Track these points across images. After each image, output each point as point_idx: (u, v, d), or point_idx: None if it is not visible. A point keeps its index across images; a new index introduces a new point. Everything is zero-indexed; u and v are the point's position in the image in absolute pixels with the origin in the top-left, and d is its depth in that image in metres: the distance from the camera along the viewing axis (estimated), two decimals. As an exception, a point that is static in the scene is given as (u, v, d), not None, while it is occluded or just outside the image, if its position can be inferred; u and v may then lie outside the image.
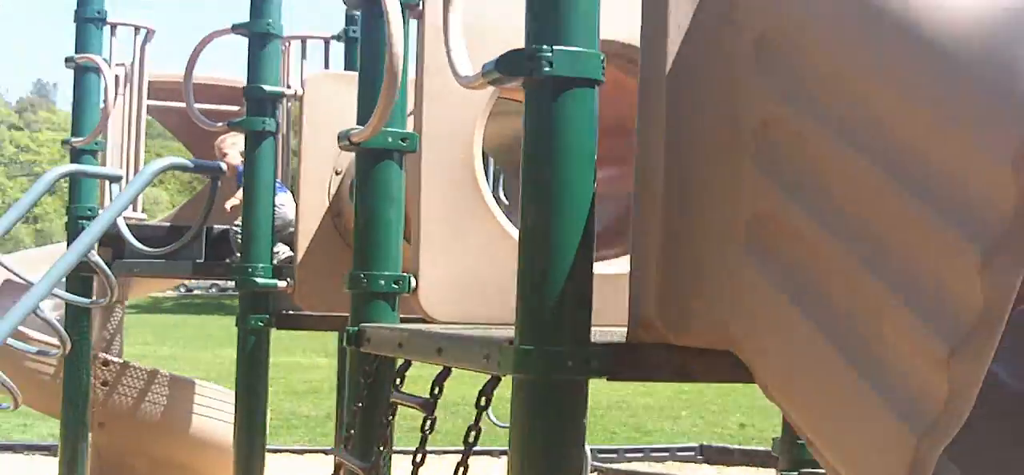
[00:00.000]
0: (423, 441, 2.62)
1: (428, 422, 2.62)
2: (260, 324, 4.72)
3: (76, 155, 5.41)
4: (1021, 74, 1.60)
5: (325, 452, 10.55)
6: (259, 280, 4.66)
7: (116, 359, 6.07)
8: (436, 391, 2.61)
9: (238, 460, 4.74)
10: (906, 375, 1.74)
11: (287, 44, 6.03)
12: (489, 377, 2.37)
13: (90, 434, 6.43)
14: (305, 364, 20.42)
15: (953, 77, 1.69)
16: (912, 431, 1.71)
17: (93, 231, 4.53)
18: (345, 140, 3.27)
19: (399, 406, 2.90)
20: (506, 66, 2.28)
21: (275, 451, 10.38)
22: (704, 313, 2.16)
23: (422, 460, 2.60)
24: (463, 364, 2.49)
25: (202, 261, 5.10)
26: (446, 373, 2.61)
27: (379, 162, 3.30)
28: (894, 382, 1.76)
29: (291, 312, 4.93)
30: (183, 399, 6.16)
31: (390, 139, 3.28)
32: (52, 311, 5.69)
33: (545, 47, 2.20)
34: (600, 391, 19.01)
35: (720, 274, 2.14)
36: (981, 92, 1.64)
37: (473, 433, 2.39)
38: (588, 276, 2.23)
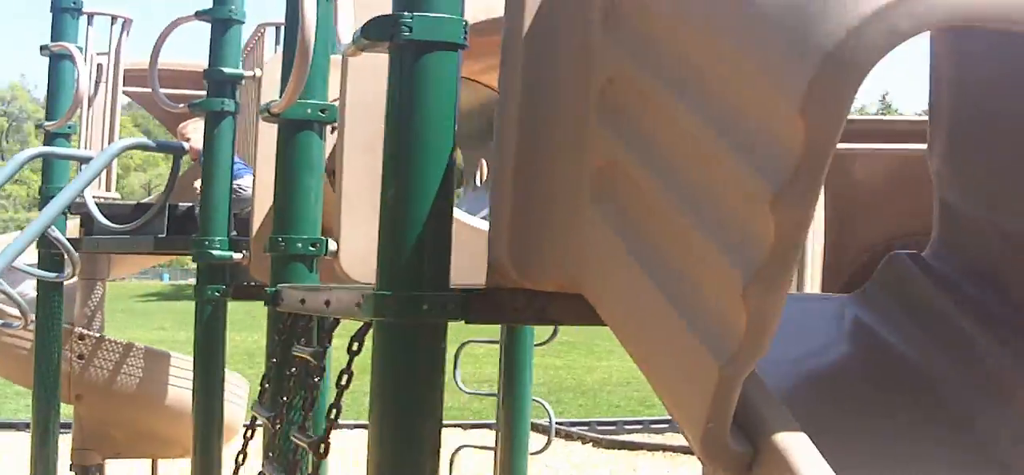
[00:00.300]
0: (312, 388, 2.64)
1: (316, 372, 2.63)
2: (216, 294, 4.73)
3: (50, 138, 5.44)
4: (813, 21, 1.59)
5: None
6: (215, 252, 4.67)
7: (92, 333, 6.11)
8: (326, 343, 2.62)
9: (197, 426, 4.76)
10: (713, 309, 1.74)
11: (263, 30, 6.04)
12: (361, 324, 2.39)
13: (71, 407, 6.50)
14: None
15: (758, 26, 1.69)
16: (716, 361, 1.71)
17: (52, 209, 4.55)
18: (265, 112, 3.29)
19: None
20: (371, 32, 2.30)
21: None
22: (553, 258, 2.17)
23: (311, 405, 2.62)
24: (344, 313, 2.50)
25: (164, 236, 5.11)
26: (335, 323, 2.62)
27: (299, 132, 3.32)
28: (704, 316, 1.76)
29: (253, 284, 4.94)
30: (158, 371, 6.19)
31: (309, 110, 3.30)
32: (33, 291, 5.74)
33: (406, 14, 2.22)
34: (612, 369, 19.03)
35: (568, 221, 2.15)
36: (779, 39, 1.64)
37: (346, 376, 2.40)
38: (446, 227, 2.24)
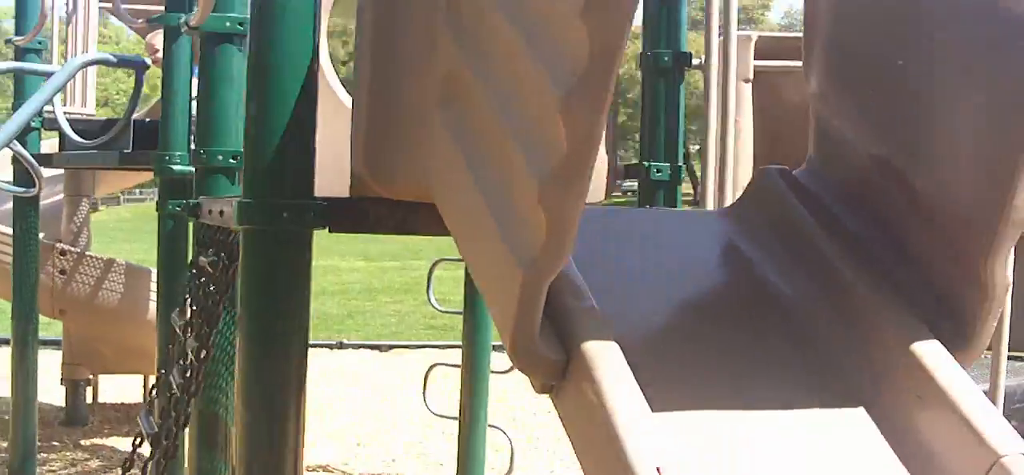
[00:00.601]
0: (207, 295, 2.71)
1: (212, 280, 2.70)
2: (177, 209, 4.80)
3: (21, 54, 5.51)
4: None
5: (328, 346, 10.79)
6: (176, 167, 4.73)
7: (74, 249, 6.24)
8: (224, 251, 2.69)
9: (159, 341, 4.86)
10: (519, 215, 1.78)
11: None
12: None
13: (62, 322, 6.67)
14: (343, 267, 20.72)
15: None
16: (519, 266, 1.76)
17: (11, 125, 4.63)
18: (184, 25, 3.33)
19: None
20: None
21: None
22: (406, 168, 2.21)
23: (201, 309, 2.70)
24: (230, 222, 2.57)
25: (129, 151, 5.19)
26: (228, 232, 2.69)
27: (218, 45, 3.36)
28: (512, 222, 1.80)
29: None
30: (140, 287, 6.31)
31: (227, 23, 3.34)
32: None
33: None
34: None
35: (420, 131, 2.18)
36: None
37: (226, 285, 2.47)
38: (308, 137, 2.29)
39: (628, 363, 1.85)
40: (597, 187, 3.30)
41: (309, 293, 2.33)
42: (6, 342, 10.67)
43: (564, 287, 1.90)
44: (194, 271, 3.19)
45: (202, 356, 2.52)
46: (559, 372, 1.84)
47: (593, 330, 1.83)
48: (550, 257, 1.73)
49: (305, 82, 2.26)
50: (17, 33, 5.52)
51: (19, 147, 4.80)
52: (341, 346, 10.98)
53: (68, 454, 6.43)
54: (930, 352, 1.94)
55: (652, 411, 1.74)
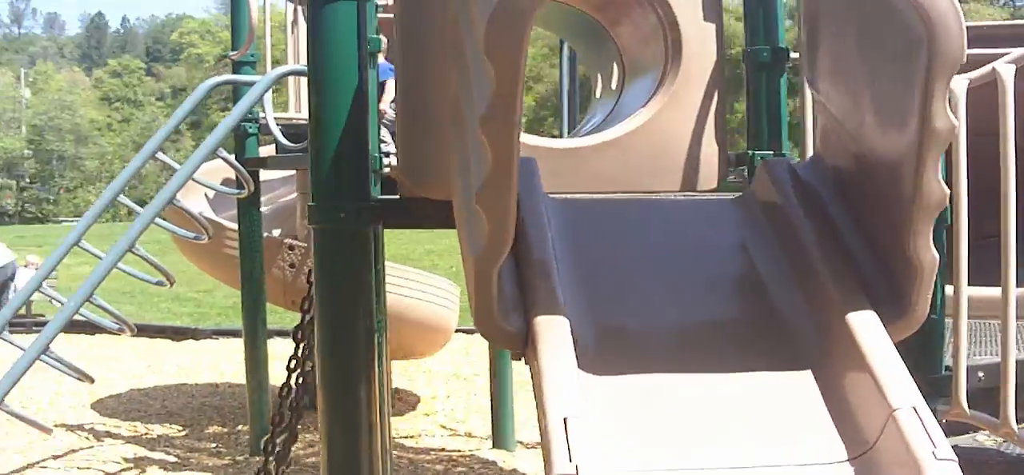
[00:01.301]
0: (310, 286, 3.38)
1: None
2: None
3: (237, 67, 6.45)
4: None
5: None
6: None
7: (301, 243, 7.15)
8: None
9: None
10: (473, 214, 2.31)
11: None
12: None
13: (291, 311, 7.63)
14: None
15: None
16: (472, 254, 2.30)
17: (215, 136, 5.52)
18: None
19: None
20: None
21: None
22: (435, 173, 2.80)
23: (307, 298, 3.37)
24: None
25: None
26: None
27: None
28: (470, 219, 2.35)
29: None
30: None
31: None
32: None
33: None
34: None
35: (442, 141, 2.76)
36: None
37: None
38: (361, 145, 2.91)
39: (592, 333, 2.38)
40: (708, 176, 3.74)
41: (370, 282, 2.95)
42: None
43: (535, 270, 2.44)
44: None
45: (297, 338, 3.19)
46: (520, 341, 2.36)
47: (548, 306, 2.36)
48: (493, 247, 2.27)
49: (355, 97, 2.87)
50: (233, 48, 6.46)
51: (224, 154, 5.67)
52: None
53: (306, 436, 7.37)
54: (862, 322, 2.35)
55: (587, 372, 2.26)
